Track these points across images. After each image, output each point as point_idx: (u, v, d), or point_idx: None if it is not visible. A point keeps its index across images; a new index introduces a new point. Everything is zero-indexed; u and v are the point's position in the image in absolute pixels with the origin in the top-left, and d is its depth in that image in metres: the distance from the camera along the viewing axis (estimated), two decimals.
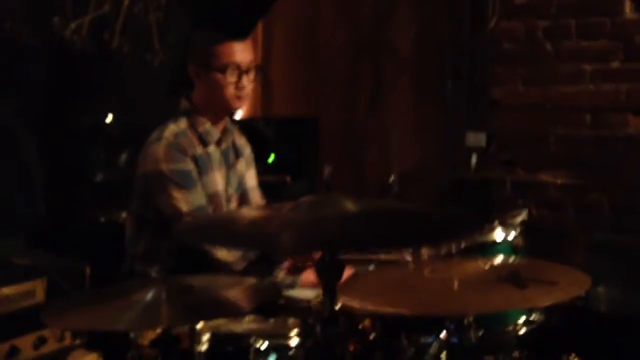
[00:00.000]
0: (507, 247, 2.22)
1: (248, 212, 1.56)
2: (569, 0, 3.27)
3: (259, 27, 3.99)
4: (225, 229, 1.38)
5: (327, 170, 1.33)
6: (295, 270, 2.12)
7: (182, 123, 2.11)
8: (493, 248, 2.19)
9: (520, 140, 3.40)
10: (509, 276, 1.55)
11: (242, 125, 3.31)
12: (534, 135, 3.38)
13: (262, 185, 2.45)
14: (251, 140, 2.41)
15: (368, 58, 3.80)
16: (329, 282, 1.26)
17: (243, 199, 2.29)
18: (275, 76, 4.04)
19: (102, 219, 2.88)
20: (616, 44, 3.20)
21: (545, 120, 3.36)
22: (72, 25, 3.02)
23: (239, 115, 4.00)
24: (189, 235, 1.38)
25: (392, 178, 2.83)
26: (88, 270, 2.18)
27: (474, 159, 3.42)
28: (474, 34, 3.43)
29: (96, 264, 2.21)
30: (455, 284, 1.56)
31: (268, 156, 3.51)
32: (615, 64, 3.21)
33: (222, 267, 2.03)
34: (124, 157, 3.25)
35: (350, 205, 1.34)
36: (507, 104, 3.45)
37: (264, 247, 1.33)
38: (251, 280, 1.66)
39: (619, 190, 3.21)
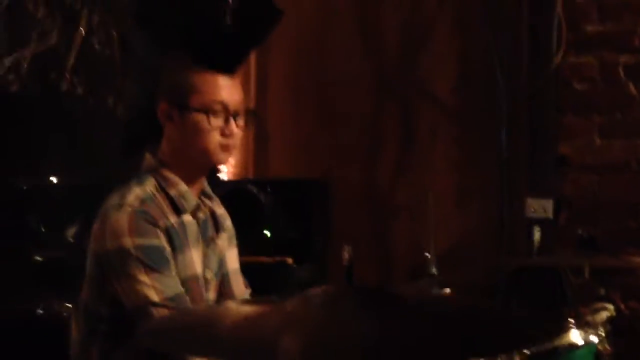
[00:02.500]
0: (588, 355, 2.16)
1: (237, 308, 1.51)
2: None
3: (251, 61, 4.03)
4: (207, 331, 1.32)
5: (347, 251, 1.29)
6: None
7: (149, 185, 2.07)
8: (569, 356, 2.14)
9: (599, 210, 3.36)
10: None
11: (229, 189, 3.33)
12: (617, 203, 3.34)
13: (256, 268, 2.40)
14: (241, 209, 2.38)
15: (395, 101, 3.82)
16: None
17: (223, 286, 2.24)
18: (272, 126, 4.06)
19: (40, 311, 2.83)
20: None
21: (631, 183, 3.33)
22: (8, 61, 3.04)
23: (224, 175, 4.00)
24: (158, 339, 1.32)
25: (428, 257, 2.79)
26: None
27: (537, 235, 3.38)
28: (534, 72, 3.44)
29: None
30: None
31: (263, 230, 3.49)
32: None
33: None
34: (72, 230, 3.22)
35: (380, 300, 1.29)
36: (580, 162, 3.43)
37: (258, 357, 1.27)
38: None
39: None
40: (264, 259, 3.40)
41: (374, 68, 3.83)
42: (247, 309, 1.47)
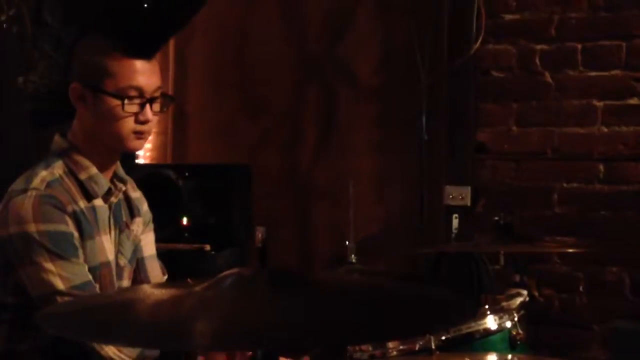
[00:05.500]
0: (502, 339, 2.19)
1: (147, 292, 1.46)
2: (574, 18, 3.35)
3: (170, 43, 3.95)
4: (114, 317, 1.28)
5: (260, 233, 1.26)
6: None
7: (57, 168, 2.01)
8: (484, 341, 2.17)
9: (515, 197, 3.41)
10: None
11: (146, 174, 3.25)
12: (532, 191, 3.40)
13: (174, 256, 2.35)
14: (158, 194, 2.33)
15: (316, 85, 3.79)
16: None
17: (138, 272, 2.20)
18: (192, 110, 3.99)
19: None
20: (635, 75, 3.28)
21: (546, 171, 3.39)
22: None
23: (141, 160, 3.91)
24: (57, 323, 1.26)
25: (347, 244, 2.78)
26: None
27: (455, 222, 3.41)
28: (453, 58, 3.46)
29: None
30: None
31: (180, 217, 3.43)
32: (633, 100, 3.29)
33: None
34: None
35: (292, 282, 1.27)
36: (497, 150, 3.47)
37: (170, 342, 1.23)
38: None
39: None
40: (182, 246, 3.34)
41: (296, 51, 3.80)
42: (160, 293, 1.43)
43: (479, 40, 3.42)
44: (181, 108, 3.97)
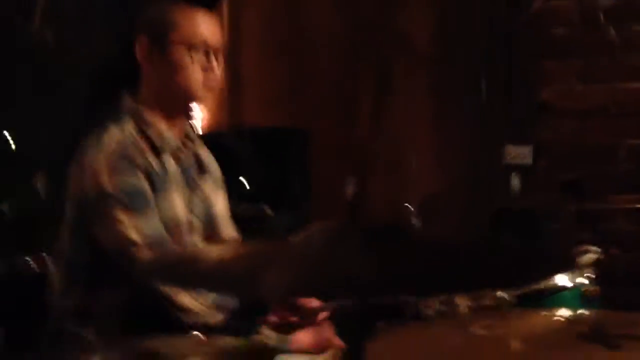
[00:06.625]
0: (574, 297, 2.18)
1: (233, 248, 1.49)
2: None
3: (224, 8, 3.96)
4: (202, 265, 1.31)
5: (350, 187, 1.27)
6: (287, 327, 2.05)
7: (127, 125, 2.04)
8: (555, 297, 2.16)
9: (578, 155, 3.38)
10: (592, 333, 1.55)
11: (203, 138, 3.28)
12: (597, 148, 3.37)
13: (233, 218, 2.39)
14: (216, 158, 2.36)
15: (372, 50, 3.78)
16: (355, 343, 1.20)
17: (210, 230, 2.21)
18: (247, 75, 4.00)
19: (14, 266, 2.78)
20: None
21: (611, 128, 3.35)
22: None
23: (199, 128, 3.94)
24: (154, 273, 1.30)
25: (409, 208, 2.79)
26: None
27: (516, 181, 3.39)
28: (513, 17, 3.43)
29: (12, 324, 2.12)
30: (516, 345, 1.55)
31: (239, 181, 3.46)
32: None
33: (187, 320, 1.95)
34: (40, 180, 3.15)
35: (385, 236, 1.27)
36: (559, 108, 3.44)
37: (242, 290, 1.25)
38: (226, 342, 1.59)
39: None
40: (242, 208, 3.36)
41: (351, 17, 3.78)
42: (245, 249, 1.46)
43: None
44: (237, 73, 3.99)
